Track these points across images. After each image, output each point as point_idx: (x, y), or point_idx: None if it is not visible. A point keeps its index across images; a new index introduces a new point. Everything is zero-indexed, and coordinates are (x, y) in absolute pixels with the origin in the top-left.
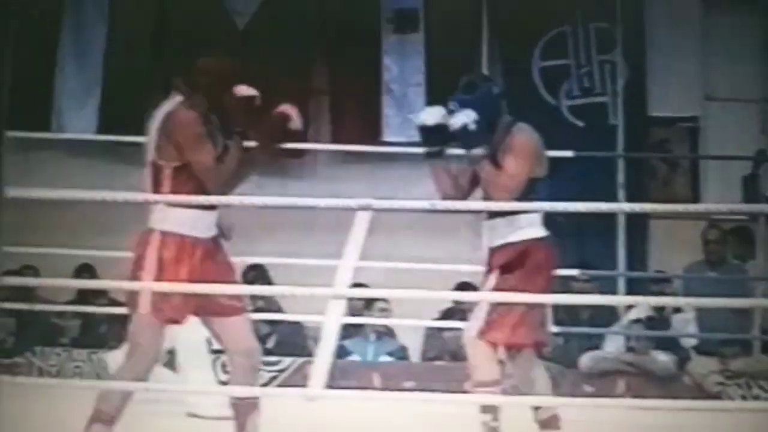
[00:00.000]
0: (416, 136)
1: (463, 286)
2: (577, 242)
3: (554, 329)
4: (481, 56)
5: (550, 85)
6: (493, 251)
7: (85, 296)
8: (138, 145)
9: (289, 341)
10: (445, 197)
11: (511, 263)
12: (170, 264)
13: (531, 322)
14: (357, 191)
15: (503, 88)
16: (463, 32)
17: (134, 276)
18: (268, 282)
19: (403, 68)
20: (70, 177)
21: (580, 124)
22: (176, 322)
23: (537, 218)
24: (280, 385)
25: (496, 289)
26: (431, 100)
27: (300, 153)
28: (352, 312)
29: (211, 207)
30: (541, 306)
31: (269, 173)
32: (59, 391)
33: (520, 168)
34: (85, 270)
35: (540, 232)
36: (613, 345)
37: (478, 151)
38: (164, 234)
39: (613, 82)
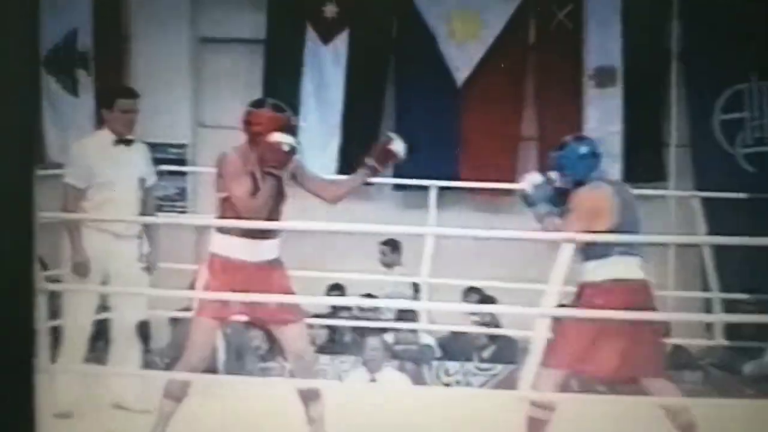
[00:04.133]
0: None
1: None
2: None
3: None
4: (670, 106)
5: (728, 135)
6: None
7: (334, 309)
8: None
9: (503, 352)
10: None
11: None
12: (215, 277)
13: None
14: None
15: (593, 147)
16: (658, 86)
17: (192, 285)
18: (490, 301)
19: (603, 117)
20: None
21: (752, 170)
22: (222, 320)
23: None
24: (493, 388)
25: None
26: (628, 147)
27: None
28: None
29: (265, 235)
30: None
31: (480, 209)
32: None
33: (570, 225)
34: (336, 288)
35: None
36: None
37: (541, 210)
38: (213, 255)
39: None
